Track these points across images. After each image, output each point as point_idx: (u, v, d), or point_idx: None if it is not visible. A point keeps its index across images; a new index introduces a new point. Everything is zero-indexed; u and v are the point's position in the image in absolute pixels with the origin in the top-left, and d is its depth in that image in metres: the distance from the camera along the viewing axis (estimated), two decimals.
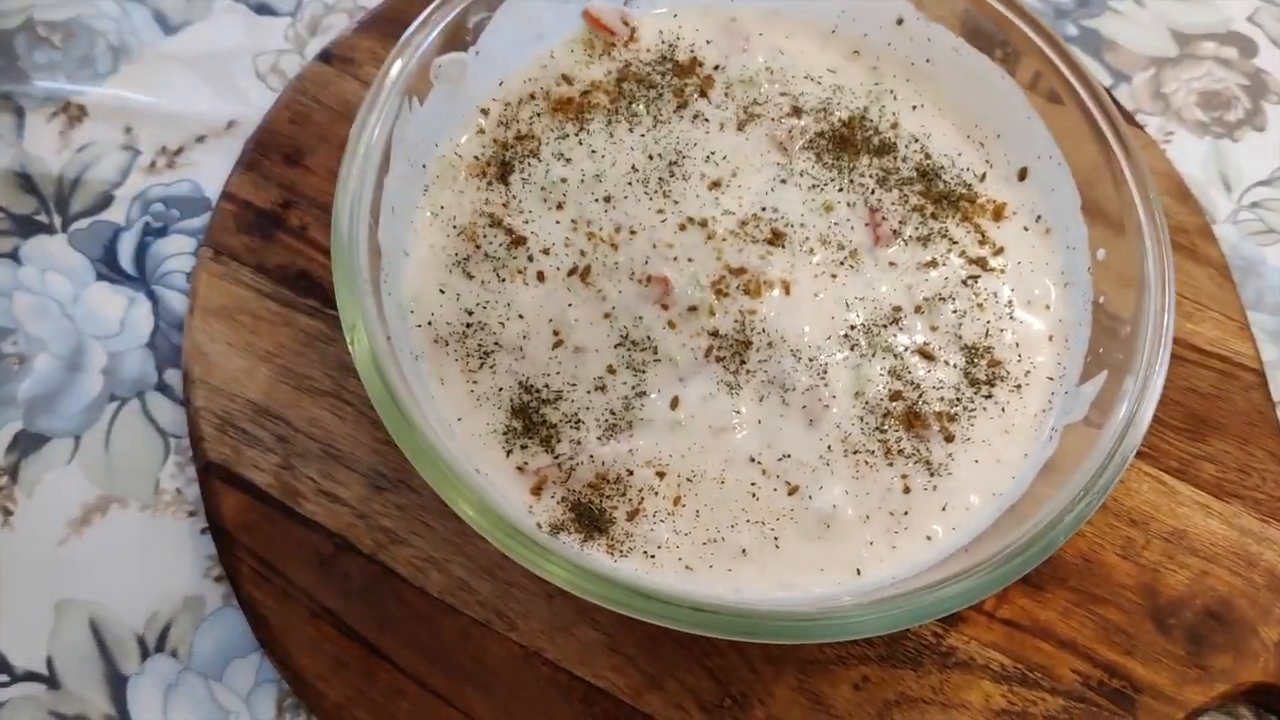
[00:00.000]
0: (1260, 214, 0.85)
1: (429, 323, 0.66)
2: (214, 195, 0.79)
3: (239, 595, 0.66)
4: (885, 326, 0.67)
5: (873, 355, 0.66)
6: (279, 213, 0.77)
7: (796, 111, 0.74)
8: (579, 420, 0.64)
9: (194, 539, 0.69)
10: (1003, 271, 0.70)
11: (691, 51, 0.76)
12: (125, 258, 0.78)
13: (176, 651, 0.66)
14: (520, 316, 0.66)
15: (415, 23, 0.67)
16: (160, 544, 0.69)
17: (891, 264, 0.69)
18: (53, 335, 0.75)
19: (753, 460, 0.63)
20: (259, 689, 0.66)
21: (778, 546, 0.62)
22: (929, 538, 0.62)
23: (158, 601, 0.67)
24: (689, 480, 0.63)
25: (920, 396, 0.66)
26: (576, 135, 0.72)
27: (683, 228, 0.69)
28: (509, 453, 0.63)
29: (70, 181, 0.80)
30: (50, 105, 0.83)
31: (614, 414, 0.64)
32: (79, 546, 0.68)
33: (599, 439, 0.63)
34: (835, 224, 0.70)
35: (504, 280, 0.67)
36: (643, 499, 0.62)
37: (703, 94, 0.74)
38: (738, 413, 0.64)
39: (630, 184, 0.70)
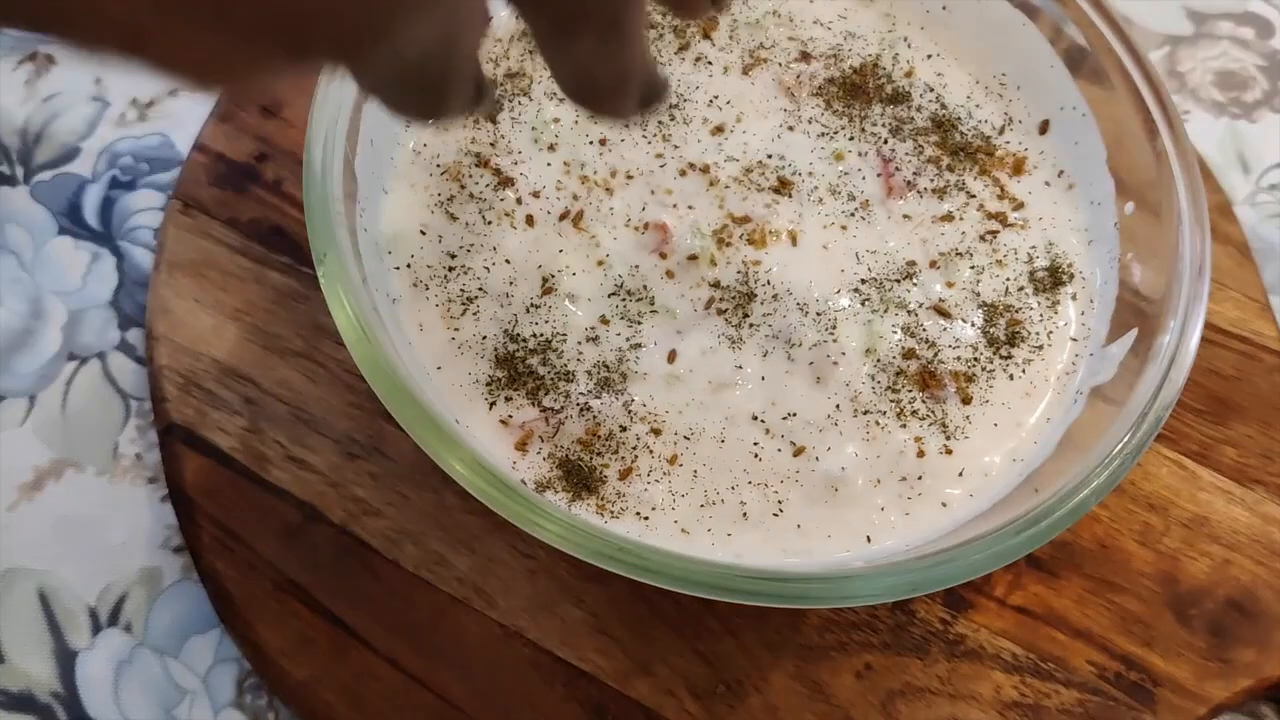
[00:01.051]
0: (1279, 196, 0.82)
1: (408, 265, 0.62)
2: (186, 150, 0.76)
3: (199, 566, 0.62)
4: (899, 281, 0.64)
5: (885, 311, 0.63)
6: (253, 166, 0.73)
7: (805, 57, 0.70)
8: (569, 372, 0.60)
9: (153, 507, 0.65)
10: (1023, 227, 0.67)
11: None
12: (90, 211, 0.74)
13: (131, 626, 0.62)
14: (507, 261, 0.63)
15: None
16: (117, 511, 0.65)
17: (905, 216, 0.66)
18: (10, 290, 0.71)
19: (755, 419, 0.59)
20: (218, 667, 0.62)
21: (781, 510, 0.58)
22: (944, 504, 0.59)
23: (112, 572, 0.63)
24: (686, 438, 0.59)
25: (936, 355, 0.62)
26: None
27: (683, 173, 0.65)
28: (492, 405, 0.59)
29: (35, 132, 0.77)
30: (17, 53, 0.79)
31: (607, 367, 0.60)
32: (30, 512, 0.65)
33: (590, 392, 0.59)
34: (845, 174, 0.67)
35: (490, 223, 0.64)
36: (636, 457, 0.58)
37: (706, 36, 0.71)
38: (740, 368, 0.60)
39: (627, 127, 0.67)
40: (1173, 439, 0.68)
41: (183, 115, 0.78)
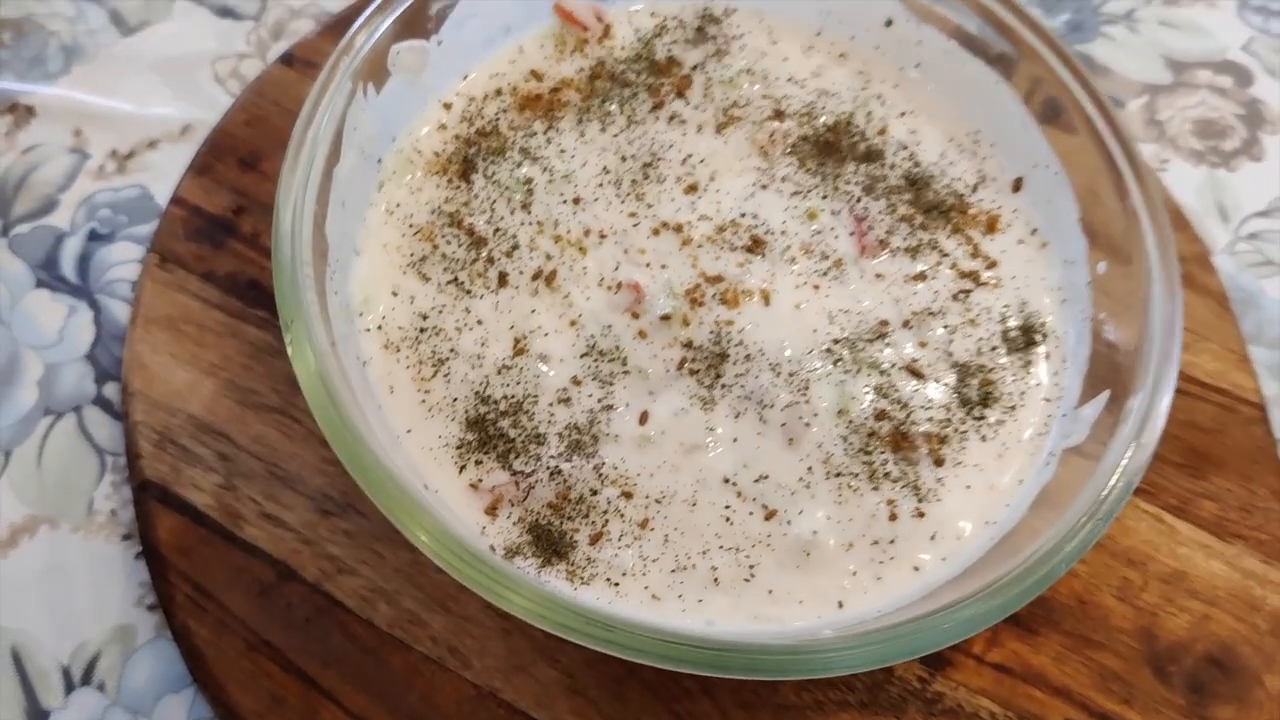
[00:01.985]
0: (1258, 245, 0.83)
1: (379, 327, 0.63)
2: (165, 201, 0.76)
3: (172, 625, 0.63)
4: (871, 341, 0.64)
5: (857, 372, 0.63)
6: (231, 219, 0.74)
7: (779, 115, 0.72)
8: (540, 435, 0.60)
9: (127, 564, 0.66)
10: (996, 286, 0.67)
11: (669, 50, 0.74)
12: (68, 264, 0.75)
13: (104, 685, 0.63)
14: (479, 322, 0.63)
15: (374, 4, 0.65)
16: (91, 568, 0.66)
17: (878, 276, 0.67)
18: None
19: (727, 481, 0.60)
20: None
21: (753, 575, 0.58)
22: (916, 568, 0.59)
23: (86, 630, 0.64)
24: (658, 502, 0.59)
25: (908, 416, 0.62)
26: (545, 134, 0.70)
27: (656, 233, 0.66)
28: (462, 469, 0.60)
29: (14, 184, 0.78)
30: None
31: (578, 429, 0.61)
32: (3, 569, 0.65)
33: (561, 455, 0.60)
34: (818, 232, 0.67)
35: (462, 284, 0.65)
36: (607, 521, 0.59)
37: (680, 94, 0.72)
38: (712, 430, 0.61)
39: (601, 185, 0.68)
40: (1151, 492, 0.69)
41: (161, 167, 0.78)
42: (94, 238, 0.76)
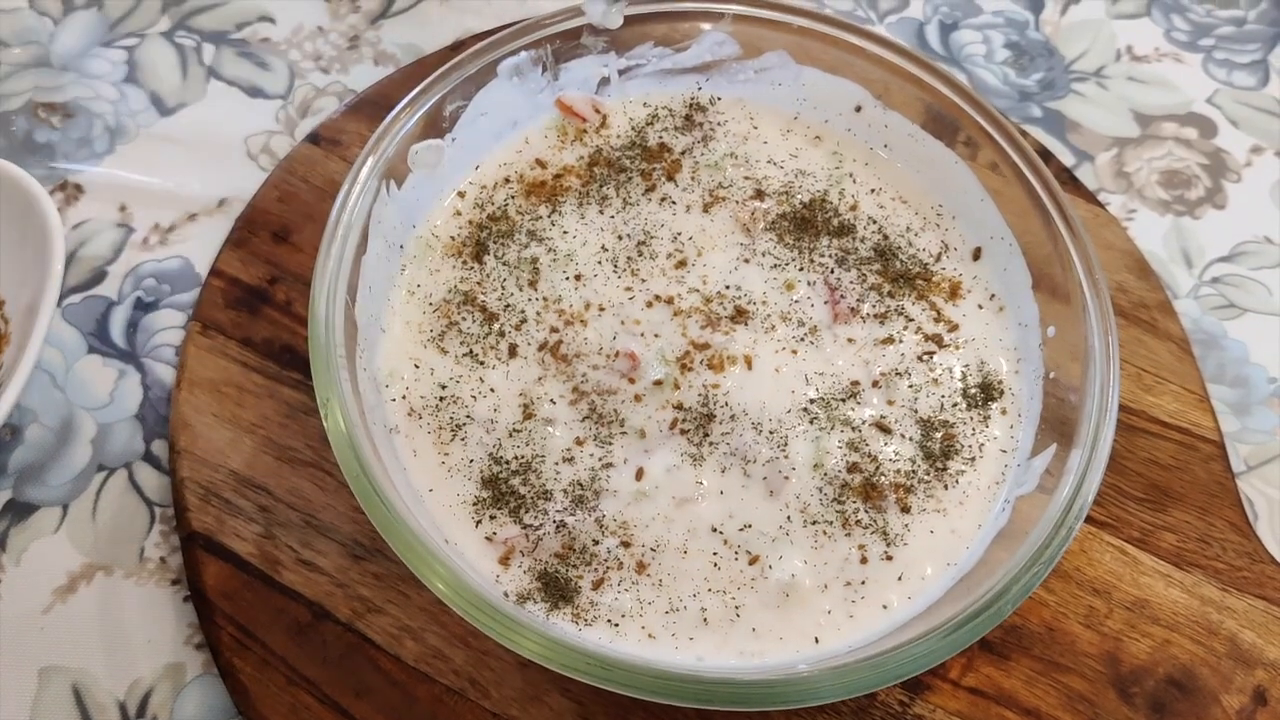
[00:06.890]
0: (1221, 289, 0.86)
1: (403, 397, 0.68)
2: (205, 271, 0.82)
3: (218, 662, 0.67)
4: (844, 400, 0.69)
5: (831, 428, 0.68)
6: (266, 288, 0.79)
7: (759, 194, 0.77)
8: (547, 491, 0.66)
9: (176, 607, 0.70)
10: (957, 348, 0.72)
11: (660, 137, 0.79)
12: (116, 331, 0.80)
13: (156, 718, 0.67)
14: (492, 390, 0.69)
15: (393, 111, 0.70)
16: (143, 612, 0.70)
17: (850, 340, 0.71)
18: (44, 406, 0.77)
19: (715, 530, 0.65)
20: None
21: (738, 615, 0.63)
22: (885, 607, 0.64)
23: (139, 668, 0.68)
24: (653, 550, 0.64)
25: (877, 469, 0.67)
26: (549, 217, 0.75)
27: (650, 305, 0.71)
28: (478, 523, 0.65)
29: (66, 258, 0.82)
30: (48, 184, 0.85)
31: (581, 485, 0.66)
32: (64, 614, 0.70)
33: (566, 509, 0.65)
34: (796, 302, 0.73)
35: (477, 355, 0.70)
36: (608, 568, 0.64)
37: (670, 178, 0.77)
38: (700, 484, 0.66)
39: (600, 263, 0.73)
40: (1115, 526, 0.73)
41: (201, 238, 0.84)
42: (140, 306, 0.81)
